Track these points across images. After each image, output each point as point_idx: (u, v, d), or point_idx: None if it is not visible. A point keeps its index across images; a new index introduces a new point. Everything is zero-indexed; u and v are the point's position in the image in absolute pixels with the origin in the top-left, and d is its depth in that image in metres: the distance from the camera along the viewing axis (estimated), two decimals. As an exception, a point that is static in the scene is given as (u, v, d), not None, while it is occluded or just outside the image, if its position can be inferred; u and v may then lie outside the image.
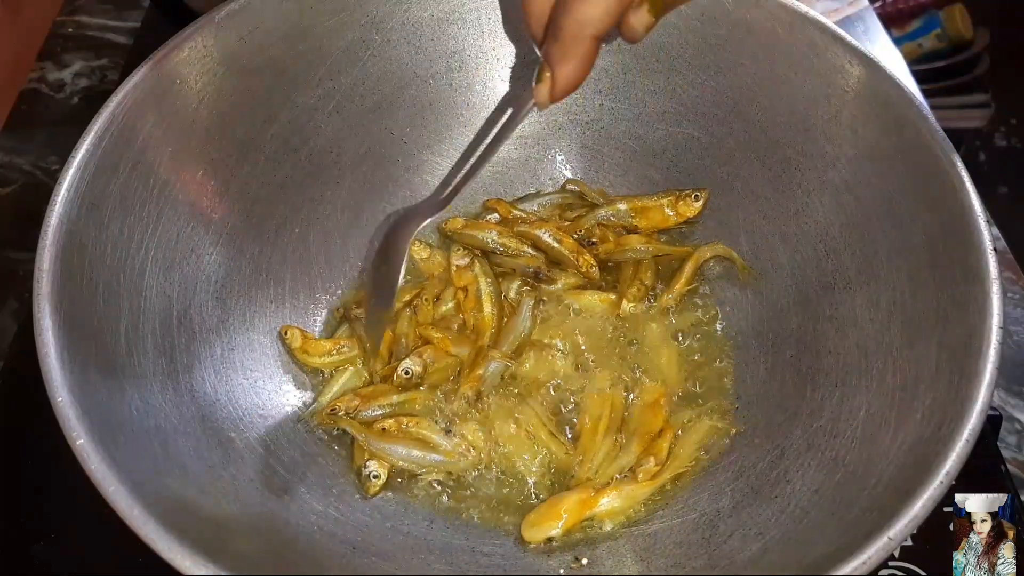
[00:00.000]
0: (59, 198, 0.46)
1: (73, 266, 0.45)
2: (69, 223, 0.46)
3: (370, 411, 0.56)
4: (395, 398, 0.57)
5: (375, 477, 0.53)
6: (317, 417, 0.56)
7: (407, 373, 0.57)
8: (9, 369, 0.65)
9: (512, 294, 0.63)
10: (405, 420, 0.55)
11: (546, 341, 0.60)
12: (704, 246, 0.63)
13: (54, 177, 0.48)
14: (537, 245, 0.65)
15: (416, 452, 0.54)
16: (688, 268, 0.62)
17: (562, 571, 0.49)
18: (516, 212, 0.67)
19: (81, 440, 0.38)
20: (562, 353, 0.60)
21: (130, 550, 0.36)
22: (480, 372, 0.57)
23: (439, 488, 0.55)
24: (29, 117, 0.81)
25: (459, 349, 0.59)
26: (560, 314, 0.62)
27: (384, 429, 0.55)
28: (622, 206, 0.65)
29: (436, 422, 0.56)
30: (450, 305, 0.62)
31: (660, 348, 0.60)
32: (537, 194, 0.69)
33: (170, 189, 0.53)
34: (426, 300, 0.62)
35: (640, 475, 0.52)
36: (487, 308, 0.61)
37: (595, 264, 0.64)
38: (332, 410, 0.55)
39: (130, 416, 0.44)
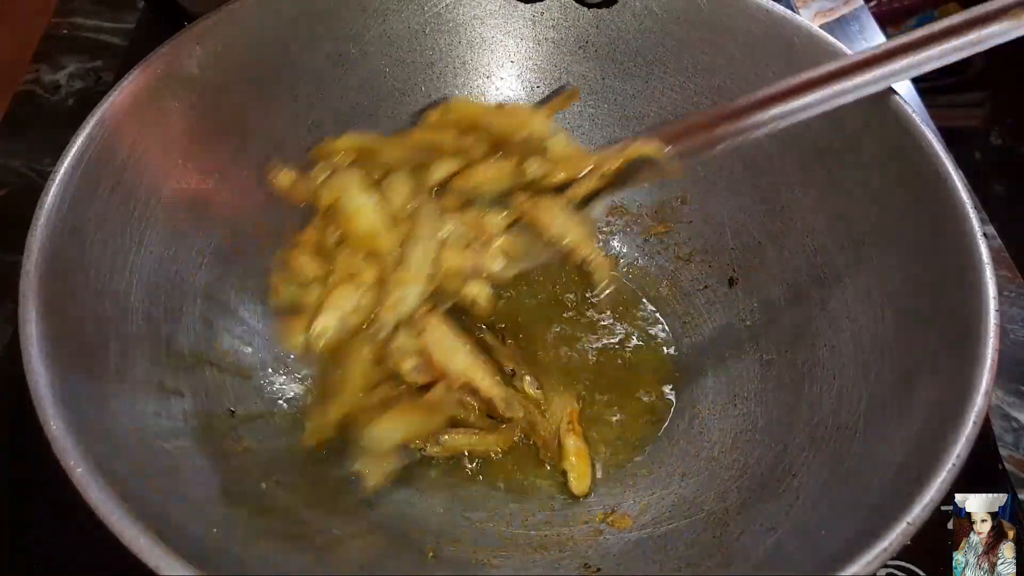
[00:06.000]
0: (39, 223, 0.45)
1: (57, 293, 0.44)
2: (52, 250, 0.44)
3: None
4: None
5: None
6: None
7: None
8: (6, 369, 0.62)
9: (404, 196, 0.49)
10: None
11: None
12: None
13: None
14: None
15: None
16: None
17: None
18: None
19: (80, 469, 0.37)
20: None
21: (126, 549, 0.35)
22: (395, 301, 0.46)
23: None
24: (24, 119, 0.79)
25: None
26: None
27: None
28: None
29: None
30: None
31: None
32: None
33: (151, 211, 0.52)
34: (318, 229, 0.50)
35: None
36: (365, 219, 0.48)
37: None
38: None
39: (127, 445, 0.42)
